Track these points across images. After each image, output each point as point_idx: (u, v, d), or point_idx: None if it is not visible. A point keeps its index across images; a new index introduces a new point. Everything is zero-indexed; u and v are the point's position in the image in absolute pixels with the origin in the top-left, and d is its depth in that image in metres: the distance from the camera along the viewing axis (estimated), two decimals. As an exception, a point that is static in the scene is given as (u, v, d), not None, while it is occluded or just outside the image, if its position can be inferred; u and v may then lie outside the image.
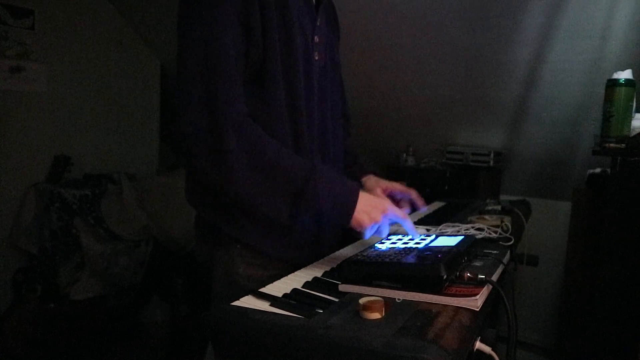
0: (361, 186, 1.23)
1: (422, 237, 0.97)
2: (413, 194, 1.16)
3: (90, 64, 3.05)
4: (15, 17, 2.64)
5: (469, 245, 0.88)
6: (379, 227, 0.96)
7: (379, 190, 1.18)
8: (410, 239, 0.95)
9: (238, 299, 0.77)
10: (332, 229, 1.15)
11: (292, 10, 0.99)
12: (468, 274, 0.76)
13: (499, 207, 1.43)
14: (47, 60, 2.82)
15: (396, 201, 1.20)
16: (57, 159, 2.85)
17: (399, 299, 0.73)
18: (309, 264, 1.00)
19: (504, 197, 2.59)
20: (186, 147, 0.90)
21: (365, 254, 0.85)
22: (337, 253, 1.08)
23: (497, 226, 1.15)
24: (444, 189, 2.49)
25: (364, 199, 0.95)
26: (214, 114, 0.87)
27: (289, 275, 0.92)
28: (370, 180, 1.24)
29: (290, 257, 1.05)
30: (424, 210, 1.17)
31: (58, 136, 2.90)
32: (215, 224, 1.03)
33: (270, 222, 0.98)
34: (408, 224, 0.98)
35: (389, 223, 0.98)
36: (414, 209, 1.18)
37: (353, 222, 0.94)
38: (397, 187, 1.20)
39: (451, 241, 0.88)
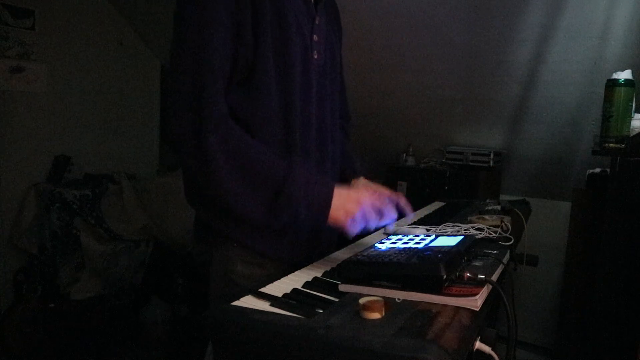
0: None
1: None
2: (402, 201, 1.13)
3: (90, 64, 3.05)
4: (16, 17, 2.65)
5: (469, 245, 0.88)
6: (364, 220, 0.95)
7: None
8: (410, 239, 0.95)
9: (236, 298, 0.77)
10: (329, 228, 1.15)
11: (289, 9, 0.99)
12: (468, 274, 0.77)
13: (498, 207, 1.43)
14: (47, 60, 2.82)
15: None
16: (57, 159, 2.85)
17: (399, 299, 0.73)
18: (306, 263, 1.00)
19: (503, 197, 2.60)
20: (174, 145, 0.92)
21: (365, 254, 0.85)
22: (337, 253, 1.09)
23: (497, 226, 1.15)
24: (444, 189, 2.49)
25: (337, 194, 0.95)
26: (197, 114, 0.89)
27: (289, 275, 0.92)
28: (358, 183, 1.24)
29: (286, 256, 1.05)
30: (411, 216, 1.14)
31: (58, 136, 2.90)
32: (213, 223, 1.03)
33: None
34: (387, 211, 0.97)
35: (372, 211, 0.96)
36: (401, 214, 1.16)
37: (330, 220, 0.94)
38: (384, 192, 1.19)
39: (451, 241, 0.88)
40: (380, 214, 0.97)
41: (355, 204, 0.95)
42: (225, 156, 0.90)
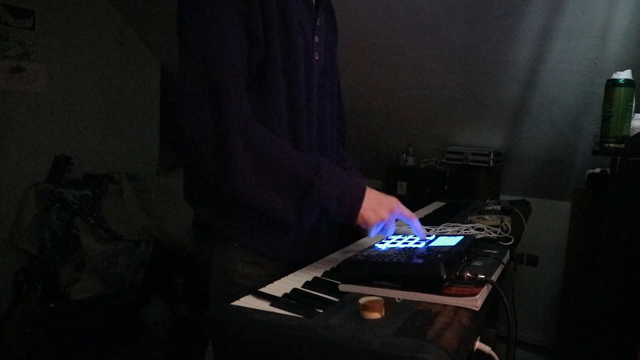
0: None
1: (428, 237, 0.97)
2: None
3: (90, 64, 3.05)
4: (16, 17, 2.64)
5: (469, 245, 0.88)
6: (384, 225, 0.96)
7: None
8: (410, 239, 0.95)
9: (236, 298, 0.77)
10: (329, 229, 1.15)
11: (292, 11, 0.99)
12: (468, 274, 0.77)
13: (498, 207, 1.43)
14: (47, 60, 2.82)
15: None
16: (57, 159, 2.85)
17: (399, 299, 0.73)
18: (306, 263, 1.00)
19: (503, 197, 2.60)
20: (188, 148, 0.90)
21: (365, 254, 0.85)
22: (337, 253, 1.08)
23: (497, 226, 1.15)
24: (444, 189, 2.49)
25: (370, 196, 0.94)
26: (220, 116, 0.87)
27: (289, 275, 0.92)
28: None
29: (287, 256, 1.05)
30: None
31: (58, 136, 2.90)
32: (213, 223, 1.03)
33: (265, 221, 0.98)
34: (415, 223, 0.98)
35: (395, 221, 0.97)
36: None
37: (359, 220, 0.93)
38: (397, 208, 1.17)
39: (451, 241, 0.88)
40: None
41: (388, 209, 0.95)
42: (251, 157, 0.88)
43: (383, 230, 0.97)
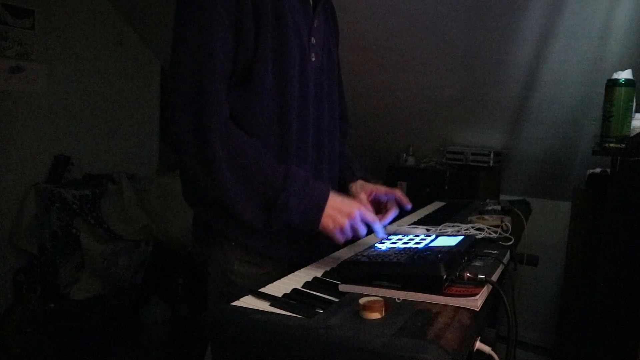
0: (348, 191, 1.24)
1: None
2: (397, 193, 1.17)
3: (90, 64, 3.05)
4: (15, 17, 2.65)
5: (469, 245, 0.88)
6: (353, 231, 0.98)
7: (363, 195, 1.19)
8: (410, 239, 0.95)
9: (234, 297, 0.77)
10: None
11: (287, 12, 0.99)
12: (468, 274, 0.76)
13: (498, 207, 1.43)
14: (47, 60, 2.82)
15: (382, 203, 1.20)
16: (57, 159, 2.85)
17: (399, 299, 0.73)
18: (306, 263, 1.00)
19: (503, 197, 2.59)
20: (175, 146, 0.92)
21: (365, 254, 0.85)
22: (337, 253, 1.09)
23: (497, 226, 1.15)
24: (444, 189, 2.49)
25: (331, 202, 0.96)
26: (200, 115, 0.89)
27: (289, 275, 0.92)
28: (356, 185, 1.25)
29: (285, 256, 1.05)
30: (409, 207, 1.18)
31: (58, 136, 2.90)
32: (212, 223, 1.03)
33: None
34: (376, 225, 1.00)
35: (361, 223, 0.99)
36: (401, 208, 1.18)
37: (320, 227, 0.96)
38: (381, 189, 1.20)
39: (451, 241, 0.88)
40: (368, 225, 1.00)
41: (346, 215, 0.96)
42: (227, 157, 0.90)
43: (351, 235, 0.98)
